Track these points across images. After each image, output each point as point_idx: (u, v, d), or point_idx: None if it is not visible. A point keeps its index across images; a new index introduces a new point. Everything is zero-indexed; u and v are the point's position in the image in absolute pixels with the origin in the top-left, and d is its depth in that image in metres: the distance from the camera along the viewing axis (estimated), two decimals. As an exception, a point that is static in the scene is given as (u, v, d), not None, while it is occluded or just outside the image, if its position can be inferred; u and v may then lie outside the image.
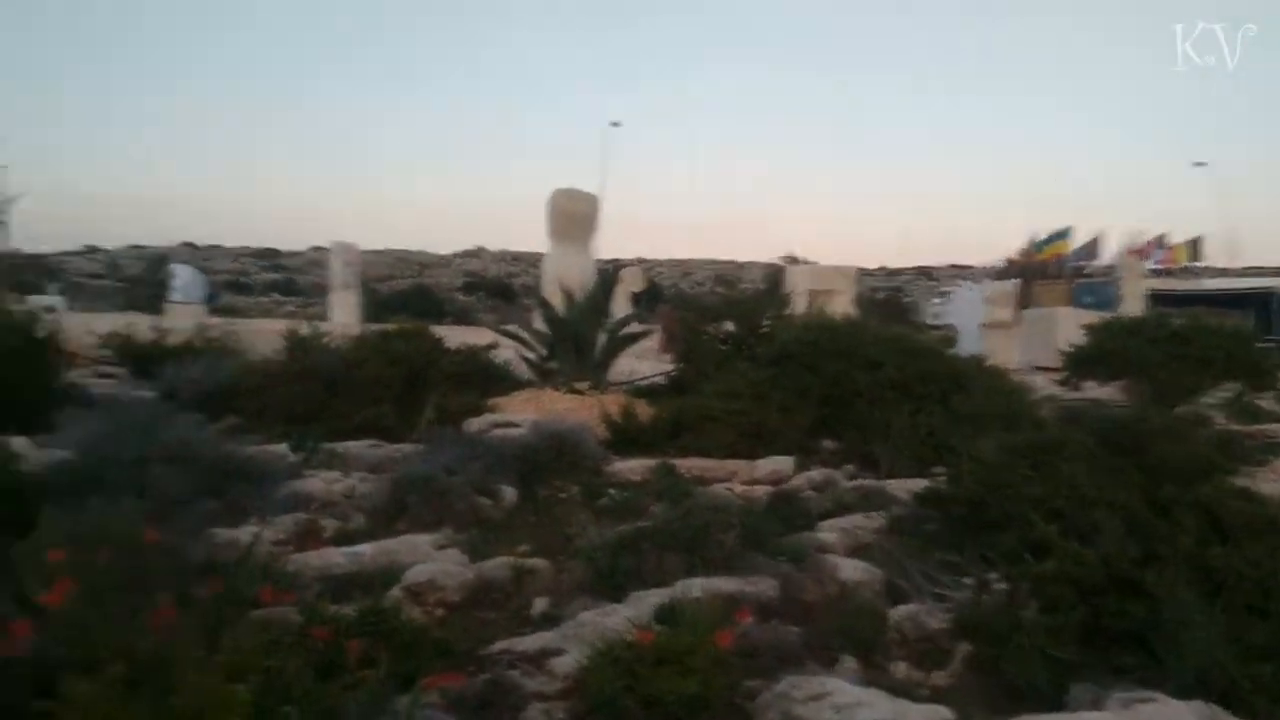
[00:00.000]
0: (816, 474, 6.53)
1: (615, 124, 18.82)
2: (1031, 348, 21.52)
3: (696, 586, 3.78)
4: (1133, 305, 23.80)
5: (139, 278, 44.09)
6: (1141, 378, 11.96)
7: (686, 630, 3.03)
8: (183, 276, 25.90)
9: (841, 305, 16.50)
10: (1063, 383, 13.12)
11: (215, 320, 17.02)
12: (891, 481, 6.17)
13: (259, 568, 3.52)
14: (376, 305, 30.06)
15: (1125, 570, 3.32)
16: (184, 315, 19.55)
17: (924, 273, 74.78)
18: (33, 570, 2.69)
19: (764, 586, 4.05)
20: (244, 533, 4.22)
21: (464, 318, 38.08)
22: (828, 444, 7.61)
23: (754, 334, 9.58)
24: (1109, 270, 32.67)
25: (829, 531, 4.99)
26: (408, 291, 49.25)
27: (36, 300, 16.53)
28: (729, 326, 9.99)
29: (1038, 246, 36.46)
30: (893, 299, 52.76)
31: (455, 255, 75.90)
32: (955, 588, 3.81)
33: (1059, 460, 4.55)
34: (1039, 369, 17.51)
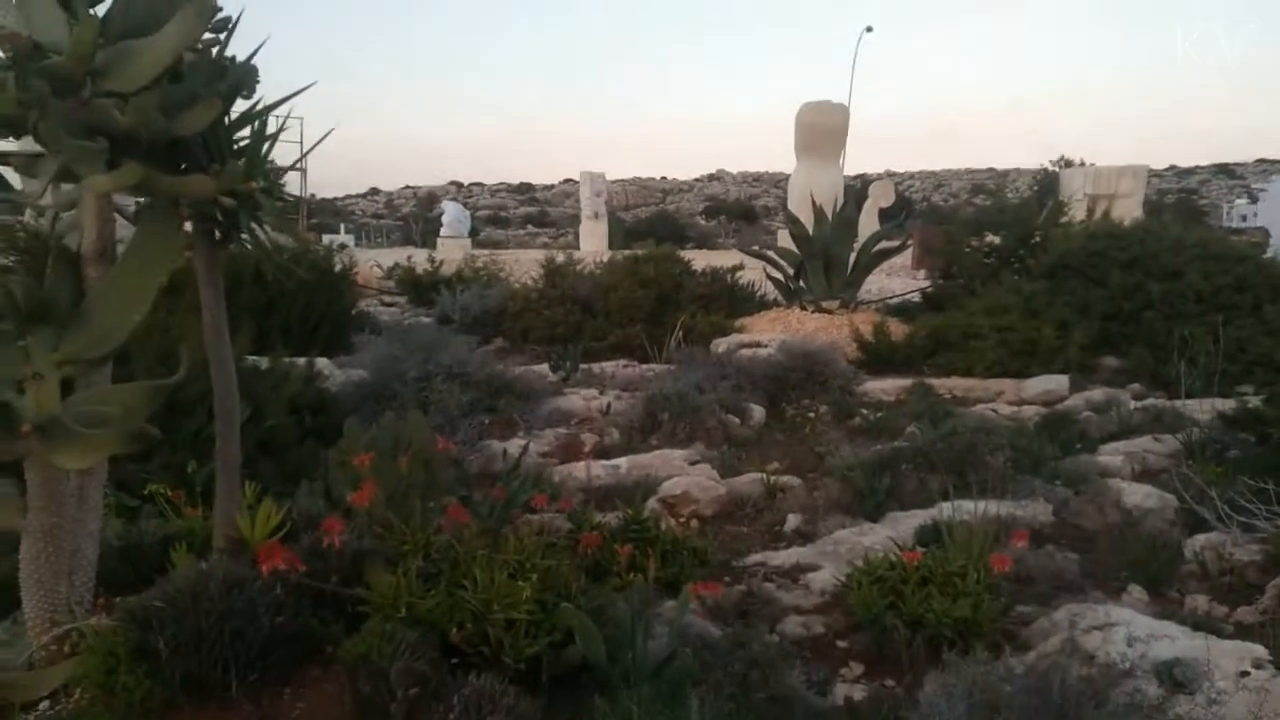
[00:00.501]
0: (1097, 394, 5.97)
1: (869, 29, 17.64)
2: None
3: (963, 509, 3.59)
4: None
5: (414, 215, 48.18)
6: None
7: (955, 552, 2.88)
8: (450, 212, 27.85)
9: (1128, 210, 14.80)
10: None
11: (480, 252, 18.25)
12: (1189, 402, 5.51)
13: (531, 477, 3.75)
14: (624, 233, 30.90)
15: None
16: (453, 248, 21.15)
17: (1224, 170, 65.50)
18: (341, 473, 3.02)
19: (1038, 511, 3.78)
20: (513, 445, 4.52)
21: (706, 241, 38.31)
22: (1110, 362, 6.91)
23: (1025, 245, 8.82)
24: None
25: (1112, 455, 4.55)
26: (651, 218, 50.20)
27: (330, 239, 18.51)
28: (994, 238, 9.28)
29: None
30: (1186, 201, 46.81)
31: (697, 180, 76.25)
32: (1269, 518, 3.34)
33: None
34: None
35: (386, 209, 63.93)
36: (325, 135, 2.71)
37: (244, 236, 2.32)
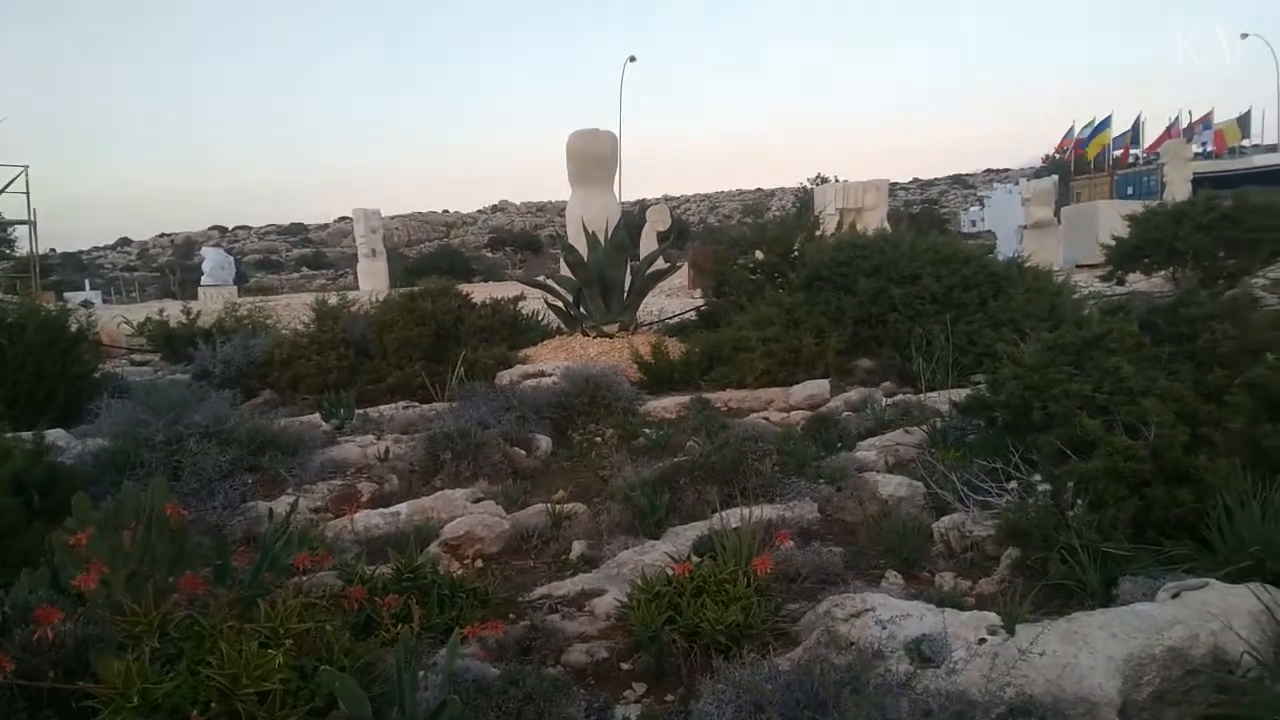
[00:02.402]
0: (854, 394, 6.42)
1: (631, 59, 18.40)
2: (1073, 246, 20.96)
3: (735, 516, 3.73)
4: (1178, 191, 22.97)
5: (171, 264, 44.70)
6: (1187, 266, 11.59)
7: (725, 559, 2.98)
8: (211, 259, 26.13)
9: (874, 221, 16.13)
10: (1106, 278, 12.75)
11: (246, 299, 17.16)
12: (931, 394, 6.05)
13: (295, 535, 3.53)
14: (406, 270, 30.13)
15: (1175, 459, 3.19)
16: (214, 297, 19.78)
17: (959, 181, 73.13)
18: (69, 556, 2.71)
19: (804, 510, 4.00)
20: (281, 503, 4.24)
21: (492, 274, 38.10)
22: (864, 364, 7.48)
23: (785, 260, 9.39)
24: (1151, 158, 31.55)
25: (868, 450, 4.90)
26: (435, 253, 49.31)
27: (72, 296, 16.77)
28: (759, 255, 9.81)
29: (1081, 143, 35.14)
30: (928, 210, 51.74)
31: (480, 212, 75.75)
32: (999, 494, 3.71)
33: (1103, 354, 4.39)
34: (1082, 267, 17.07)
35: (140, 260, 58.85)
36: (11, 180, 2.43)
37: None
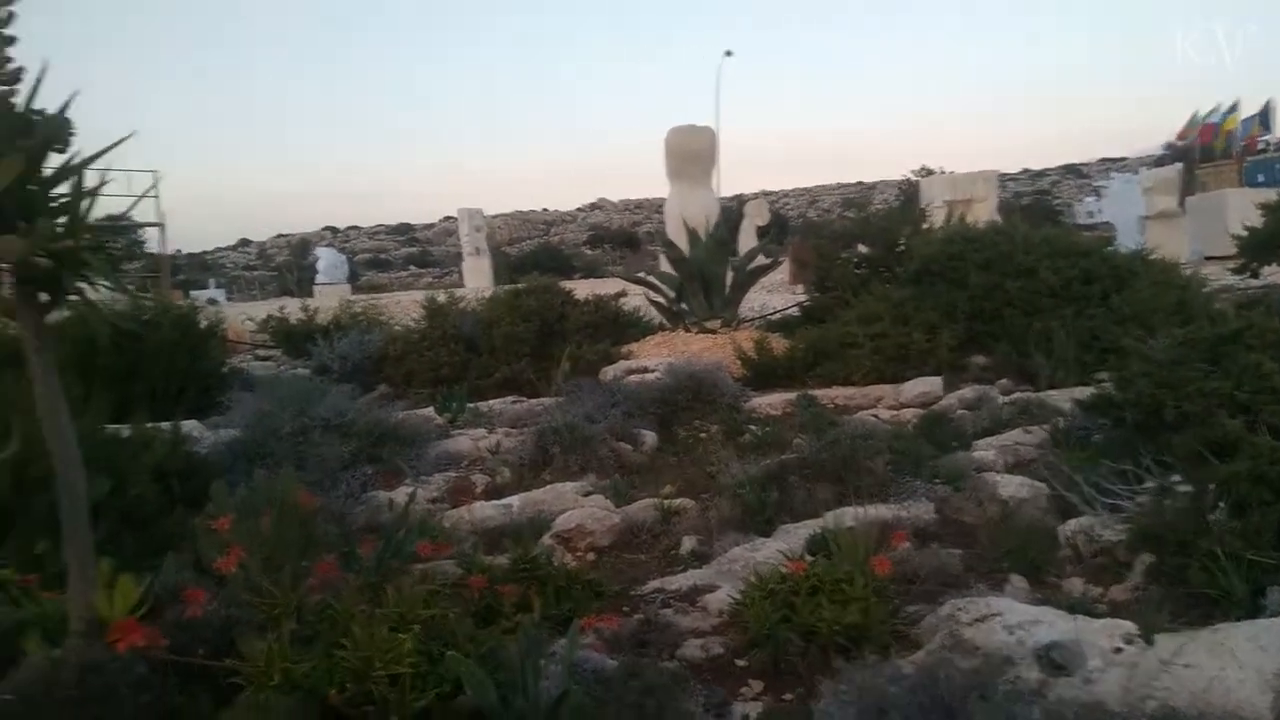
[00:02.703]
0: (968, 392, 6.23)
1: (728, 53, 18.31)
2: (1200, 237, 19.81)
3: (848, 515, 3.67)
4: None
5: (288, 264, 46.76)
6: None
7: (841, 559, 2.93)
8: (325, 259, 27.27)
9: (983, 213, 15.62)
10: (1238, 270, 11.98)
11: (359, 297, 17.81)
12: (1052, 392, 5.81)
13: (416, 525, 3.64)
14: (508, 268, 30.75)
15: (1331, 463, 2.97)
16: (329, 295, 20.59)
17: (1072, 170, 70.12)
18: (208, 540, 2.86)
19: (920, 511, 3.90)
20: (400, 493, 4.38)
21: (592, 271, 38.51)
22: (979, 360, 7.24)
23: (891, 253, 9.19)
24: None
25: (986, 450, 4.75)
26: (535, 251, 50.17)
27: (199, 295, 17.75)
28: (863, 249, 9.63)
29: (1212, 130, 33.01)
30: (1039, 201, 49.79)
31: (579, 210, 76.67)
32: (1130, 497, 3.54)
33: (1241, 351, 4.13)
34: (1210, 259, 16.11)
35: (259, 259, 61.78)
36: (153, 185, 2.58)
37: (72, 298, 2.18)
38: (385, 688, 2.05)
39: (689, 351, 8.30)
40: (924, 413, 5.83)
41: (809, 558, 3.09)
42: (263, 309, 13.89)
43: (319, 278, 25.89)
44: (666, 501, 4.34)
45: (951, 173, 19.56)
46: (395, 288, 33.54)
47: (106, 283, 2.09)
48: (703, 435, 5.82)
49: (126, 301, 3.97)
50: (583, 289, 10.85)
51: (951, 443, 4.93)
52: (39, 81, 1.96)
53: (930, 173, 27.45)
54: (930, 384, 6.52)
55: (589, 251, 56.77)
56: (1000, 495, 3.97)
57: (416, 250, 64.95)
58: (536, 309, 8.86)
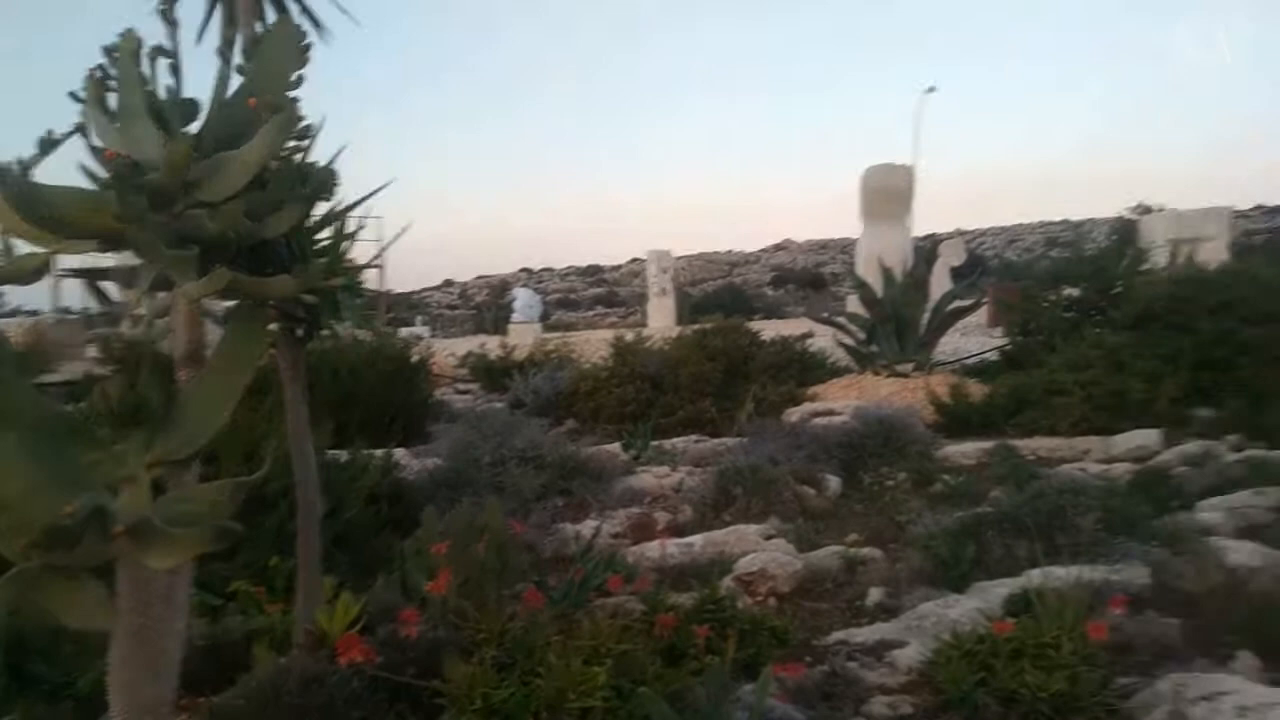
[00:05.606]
0: (1191, 447, 5.70)
1: (930, 89, 17.93)
2: None
3: (1054, 575, 3.44)
4: None
5: (486, 303, 49.40)
6: None
7: (1047, 621, 2.76)
8: (521, 298, 28.52)
9: (1213, 253, 14.30)
10: None
11: (551, 335, 18.56)
12: (1290, 451, 5.23)
13: (604, 558, 3.74)
14: (691, 308, 31.11)
15: None
16: (524, 333, 21.57)
17: (1314, 206, 62.98)
18: (418, 562, 3.06)
19: (1133, 574, 3.60)
20: (586, 527, 4.52)
21: (774, 311, 38.28)
22: (1204, 413, 6.62)
23: (1105, 296, 8.60)
24: None
25: (1211, 511, 4.33)
26: (719, 291, 50.47)
27: (407, 331, 19.10)
28: (1072, 291, 9.07)
29: None
30: (1276, 241, 45.04)
31: (763, 250, 76.56)
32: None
33: None
34: None
35: (460, 299, 65.65)
36: (400, 232, 2.85)
37: (324, 333, 2.42)
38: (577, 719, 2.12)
39: (878, 395, 8.08)
40: (1139, 468, 5.39)
41: (1010, 618, 2.93)
42: (463, 345, 14.77)
43: (515, 316, 27.15)
44: (852, 550, 4.23)
45: (1175, 210, 18.04)
46: (582, 326, 34.71)
47: (353, 320, 2.31)
48: (890, 483, 5.64)
49: (366, 336, 4.35)
50: (768, 330, 10.82)
51: (1170, 502, 4.53)
52: (316, 134, 2.20)
53: (1149, 210, 25.43)
54: (1146, 437, 6.02)
55: (771, 292, 56.49)
56: (1227, 562, 3.61)
57: (604, 290, 66.92)
58: (722, 349, 8.92)
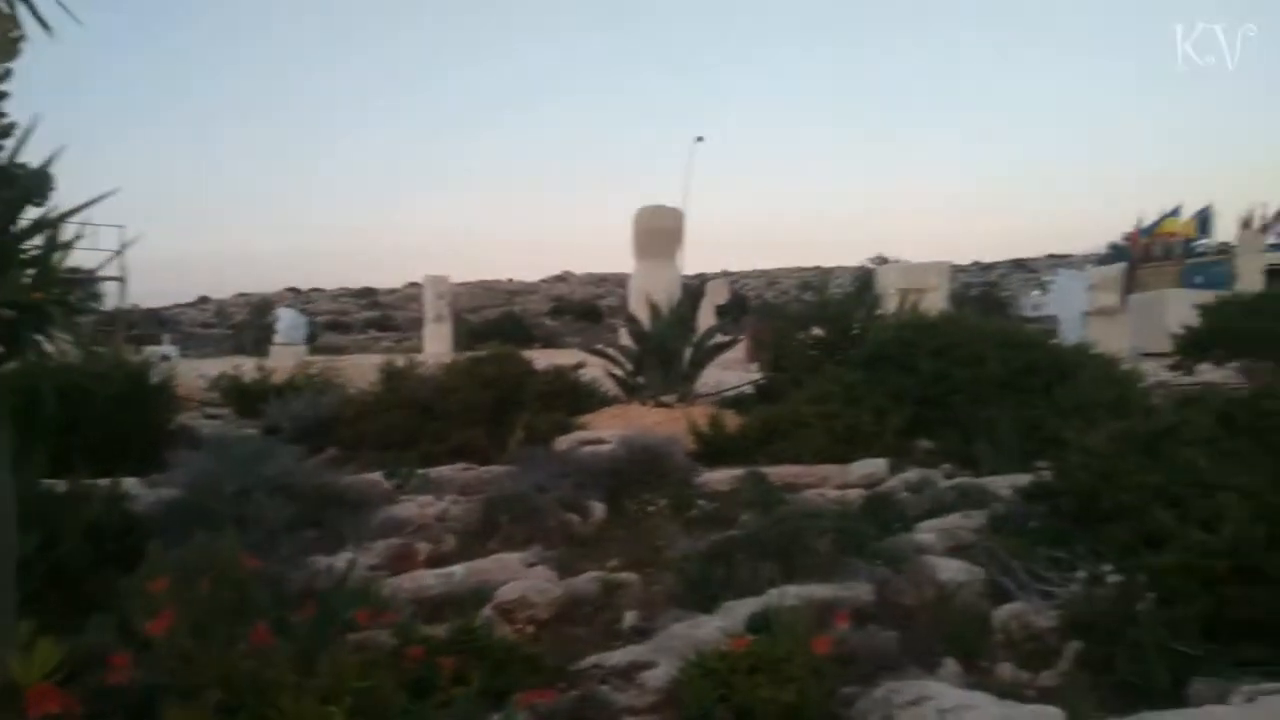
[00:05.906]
0: (912, 475, 6.32)
1: (699, 139, 18.97)
2: (1139, 334, 20.50)
3: (790, 594, 3.69)
4: (1250, 283, 22.45)
5: (245, 323, 46.24)
6: (1262, 357, 11.25)
7: (781, 638, 2.95)
8: (285, 319, 27.03)
9: (935, 302, 16.03)
10: (1174, 367, 12.43)
11: (316, 358, 17.66)
12: (993, 478, 5.93)
13: (355, 592, 3.59)
14: (468, 335, 30.72)
15: (1253, 557, 3.08)
16: (287, 355, 20.38)
17: (1020, 265, 72.39)
18: (138, 602, 2.80)
19: (860, 591, 3.92)
20: (340, 559, 4.31)
21: (552, 341, 38.62)
22: (924, 444, 7.38)
23: (845, 337, 9.39)
24: (1222, 249, 30.85)
25: (927, 532, 4.81)
26: (498, 319, 50.24)
27: (152, 350, 17.48)
28: (818, 331, 9.83)
29: (1145, 231, 34.45)
30: (988, 293, 51.24)
31: (543, 281, 77.17)
32: (1063, 584, 3.62)
33: (1175, 445, 4.28)
34: (1148, 355, 16.65)
35: (217, 317, 61.02)
36: (129, 242, 2.62)
37: (30, 351, 2.18)
38: (310, 760, 2.01)
39: (644, 424, 8.32)
40: (869, 493, 5.89)
41: (750, 636, 3.10)
42: (217, 366, 13.71)
43: (277, 337, 25.62)
44: (611, 575, 4.32)
45: (905, 261, 20.17)
46: (353, 350, 33.28)
47: (65, 336, 2.10)
48: (651, 509, 5.82)
49: (80, 355, 3.95)
50: (544, 358, 10.89)
51: (894, 524, 4.98)
52: (27, 134, 2.00)
53: (885, 260, 28.20)
54: (876, 465, 6.61)
55: (549, 321, 57.00)
56: (939, 578, 4.02)
57: (378, 314, 64.66)
58: (495, 377, 8.86)
